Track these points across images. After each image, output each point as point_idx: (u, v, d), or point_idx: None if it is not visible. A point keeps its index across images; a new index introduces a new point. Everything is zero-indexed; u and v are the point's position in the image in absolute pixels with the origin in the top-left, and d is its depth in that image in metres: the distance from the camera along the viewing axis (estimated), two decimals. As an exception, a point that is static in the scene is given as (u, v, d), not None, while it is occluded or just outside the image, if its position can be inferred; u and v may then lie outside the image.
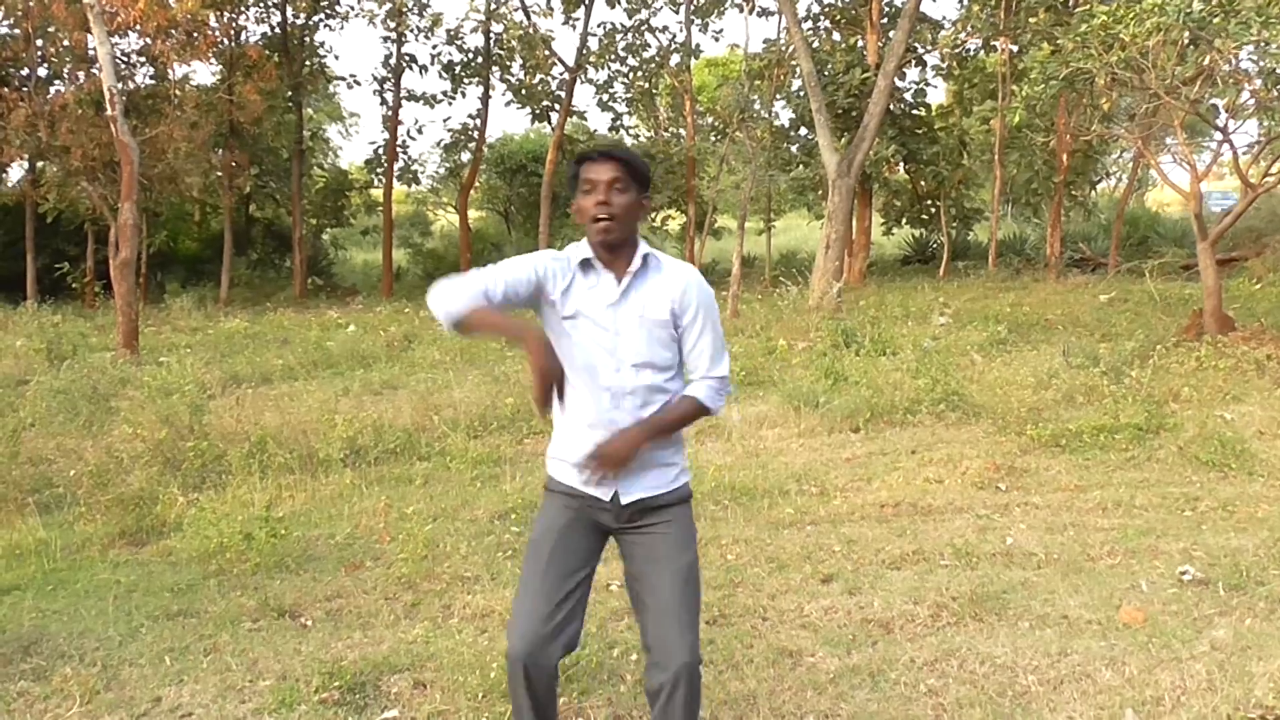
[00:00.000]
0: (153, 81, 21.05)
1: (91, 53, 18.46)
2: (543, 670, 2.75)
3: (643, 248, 2.74)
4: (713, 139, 26.67)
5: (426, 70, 26.97)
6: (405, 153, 28.35)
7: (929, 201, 26.21)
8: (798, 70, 21.55)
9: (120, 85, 14.35)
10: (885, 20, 24.14)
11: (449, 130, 27.61)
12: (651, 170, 2.76)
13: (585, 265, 2.71)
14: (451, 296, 2.58)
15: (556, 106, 26.62)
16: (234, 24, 23.22)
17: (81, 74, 19.76)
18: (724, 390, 2.81)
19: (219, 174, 23.92)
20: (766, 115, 25.21)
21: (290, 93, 25.22)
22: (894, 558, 5.12)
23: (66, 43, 19.41)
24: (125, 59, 20.17)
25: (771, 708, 3.57)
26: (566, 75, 26.11)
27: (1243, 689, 3.55)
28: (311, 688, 3.75)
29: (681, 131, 28.27)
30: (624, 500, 2.77)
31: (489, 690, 3.61)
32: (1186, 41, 10.28)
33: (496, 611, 4.46)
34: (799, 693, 3.70)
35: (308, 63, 25.77)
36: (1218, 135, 12.00)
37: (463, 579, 4.99)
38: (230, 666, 4.01)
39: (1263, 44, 9.40)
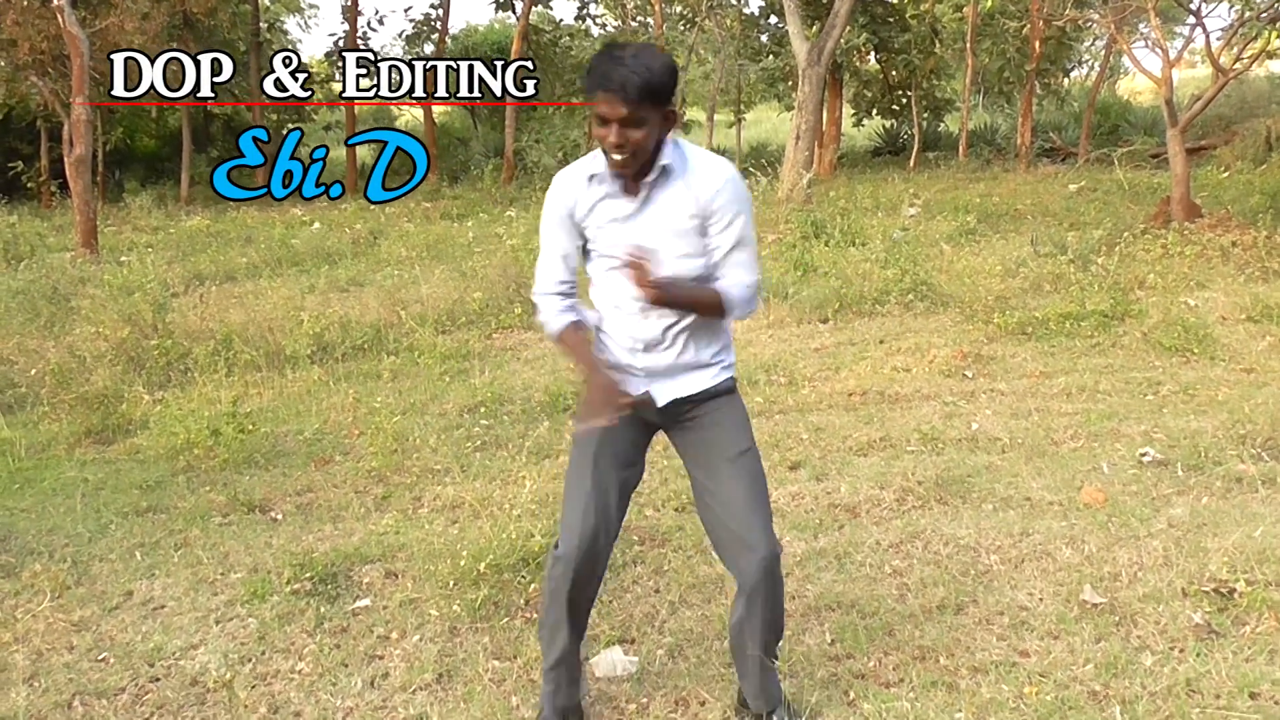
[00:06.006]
0: (100, -30, 20.21)
1: (34, -60, 17.65)
2: (596, 570, 2.64)
3: (665, 154, 2.47)
4: (681, 28, 26.01)
5: (386, -43, 26.06)
6: (366, 45, 27.56)
7: (900, 92, 25.80)
8: (768, -45, 21.00)
9: (65, -26, 13.71)
10: (857, -98, 23.48)
11: (411, 21, 26.89)
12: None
13: (597, 179, 2.51)
14: (546, 315, 2.64)
15: (521, -5, 25.87)
16: (184, -92, 22.18)
17: (25, -37, 18.92)
18: (752, 297, 2.58)
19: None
20: (735, 3, 24.64)
21: (244, -19, 24.35)
22: (861, 444, 5.18)
23: (7, -70, 18.54)
24: (70, -54, 19.31)
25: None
26: (531, -38, 25.32)
27: (1198, 564, 3.64)
28: (283, 579, 3.78)
29: (649, 21, 27.59)
30: (659, 403, 2.63)
31: (460, 578, 3.64)
32: (1162, -79, 10.08)
33: (466, 502, 4.49)
34: (766, 575, 3.75)
35: (262, -50, 24.83)
36: (1191, 20, 11.86)
37: (433, 471, 5.01)
38: (201, 560, 4.03)
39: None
